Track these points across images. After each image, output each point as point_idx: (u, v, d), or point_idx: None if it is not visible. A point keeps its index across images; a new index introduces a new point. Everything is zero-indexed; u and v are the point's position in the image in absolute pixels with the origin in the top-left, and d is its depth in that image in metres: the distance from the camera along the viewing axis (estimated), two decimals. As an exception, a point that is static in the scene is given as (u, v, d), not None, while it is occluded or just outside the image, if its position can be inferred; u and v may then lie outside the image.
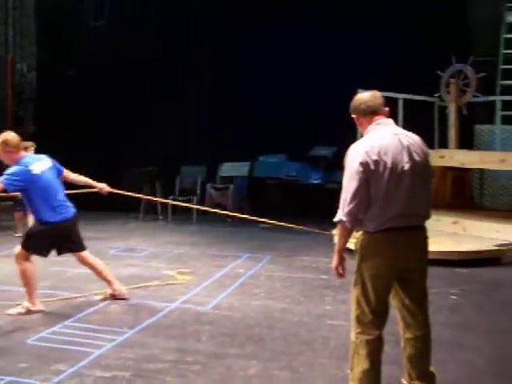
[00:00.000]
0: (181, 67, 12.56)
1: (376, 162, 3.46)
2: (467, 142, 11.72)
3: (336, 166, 11.93)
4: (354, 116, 3.79)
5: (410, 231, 3.59)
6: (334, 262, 3.69)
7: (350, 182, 3.50)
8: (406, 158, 3.53)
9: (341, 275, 3.73)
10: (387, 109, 3.78)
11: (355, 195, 3.47)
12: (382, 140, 3.55)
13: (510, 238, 8.52)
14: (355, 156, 3.51)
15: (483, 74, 10.57)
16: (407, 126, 10.95)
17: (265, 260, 8.11)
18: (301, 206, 10.98)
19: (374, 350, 3.65)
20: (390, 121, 3.75)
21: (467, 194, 11.22)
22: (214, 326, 5.41)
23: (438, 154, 10.07)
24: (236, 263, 7.92)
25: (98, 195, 6.59)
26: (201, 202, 11.70)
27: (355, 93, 10.80)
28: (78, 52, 12.49)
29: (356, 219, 3.51)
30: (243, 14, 11.93)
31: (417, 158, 3.58)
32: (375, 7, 11.48)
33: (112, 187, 11.70)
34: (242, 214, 11.60)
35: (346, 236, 3.59)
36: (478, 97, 10.78)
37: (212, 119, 12.41)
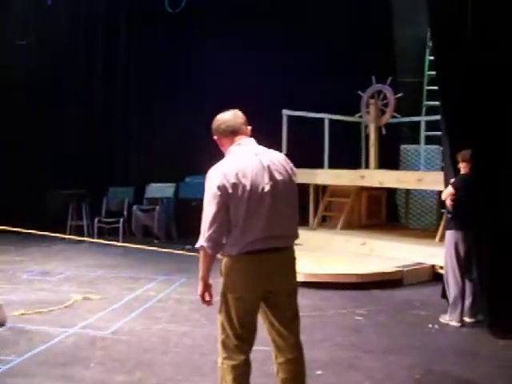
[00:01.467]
0: (108, 87, 12.46)
1: (234, 186, 3.41)
2: (394, 162, 11.88)
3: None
4: (215, 137, 3.74)
5: (274, 253, 3.53)
6: (199, 289, 3.61)
7: (208, 207, 3.44)
8: (266, 179, 3.49)
9: (208, 302, 3.65)
10: (249, 128, 3.75)
11: (214, 220, 3.41)
12: (241, 162, 3.50)
13: (413, 258, 8.60)
14: (214, 179, 3.46)
15: (401, 94, 10.68)
16: (335, 146, 11.09)
17: (178, 282, 7.98)
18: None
19: (241, 375, 3.58)
20: (251, 140, 3.71)
21: (382, 214, 11.34)
22: (107, 351, 5.28)
23: (358, 174, 10.19)
24: (149, 286, 7.77)
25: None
26: (128, 224, 11.56)
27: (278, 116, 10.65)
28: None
29: (217, 244, 3.45)
30: (171, 38, 12.04)
31: (279, 177, 3.54)
32: (300, 26, 11.60)
33: (37, 210, 11.53)
34: (170, 236, 11.58)
35: (209, 262, 3.52)
36: (396, 117, 10.87)
37: (140, 140, 12.32)
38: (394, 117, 10.81)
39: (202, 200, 10.71)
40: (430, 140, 11.76)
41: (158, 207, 11.40)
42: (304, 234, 9.85)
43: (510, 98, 5.91)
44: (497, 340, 5.74)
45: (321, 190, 11.09)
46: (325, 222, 11.20)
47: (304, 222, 10.52)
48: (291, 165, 3.69)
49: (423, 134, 11.59)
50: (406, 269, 8.20)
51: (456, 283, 6.20)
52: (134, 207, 11.53)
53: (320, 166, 11.13)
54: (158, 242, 11.18)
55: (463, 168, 6.25)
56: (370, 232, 10.09)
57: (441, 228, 8.94)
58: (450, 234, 6.24)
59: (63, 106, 12.51)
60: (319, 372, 4.69)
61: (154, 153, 11.90)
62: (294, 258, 3.69)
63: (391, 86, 10.64)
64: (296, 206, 3.72)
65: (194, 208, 11.54)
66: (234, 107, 11.45)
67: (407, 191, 11.26)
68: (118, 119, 12.40)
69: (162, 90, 12.19)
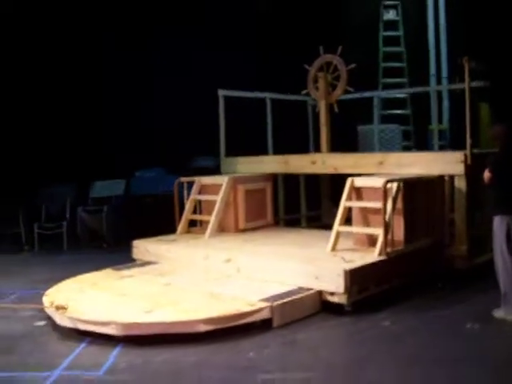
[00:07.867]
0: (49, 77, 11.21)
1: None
2: (353, 145, 11.16)
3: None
4: None
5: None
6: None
7: None
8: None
9: None
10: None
11: None
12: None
13: (294, 281, 6.25)
14: None
15: (353, 65, 9.15)
16: (280, 128, 10.23)
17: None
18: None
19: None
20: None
21: (268, 214, 9.19)
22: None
23: (309, 160, 8.83)
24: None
25: None
26: (72, 229, 10.46)
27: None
28: None
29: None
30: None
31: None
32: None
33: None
34: (119, 238, 10.45)
35: None
36: (350, 92, 9.49)
37: (81, 133, 11.15)
38: (347, 91, 9.39)
39: (154, 196, 9.63)
40: (387, 119, 11.30)
41: (105, 208, 10.32)
42: (162, 248, 7.89)
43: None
44: None
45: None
46: (195, 228, 8.98)
47: (171, 229, 8.62)
48: None
49: (377, 112, 11.07)
50: (275, 302, 5.71)
51: (506, 271, 5.70)
52: (79, 208, 10.42)
53: (264, 152, 10.12)
54: (107, 246, 10.26)
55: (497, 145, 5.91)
56: (243, 241, 7.97)
57: (334, 232, 6.99)
58: (498, 220, 5.75)
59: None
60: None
61: (98, 146, 10.82)
62: None
63: (342, 57, 9.26)
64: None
65: (146, 205, 10.62)
66: (178, 95, 10.46)
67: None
68: (56, 111, 11.12)
69: (106, 79, 11.24)
